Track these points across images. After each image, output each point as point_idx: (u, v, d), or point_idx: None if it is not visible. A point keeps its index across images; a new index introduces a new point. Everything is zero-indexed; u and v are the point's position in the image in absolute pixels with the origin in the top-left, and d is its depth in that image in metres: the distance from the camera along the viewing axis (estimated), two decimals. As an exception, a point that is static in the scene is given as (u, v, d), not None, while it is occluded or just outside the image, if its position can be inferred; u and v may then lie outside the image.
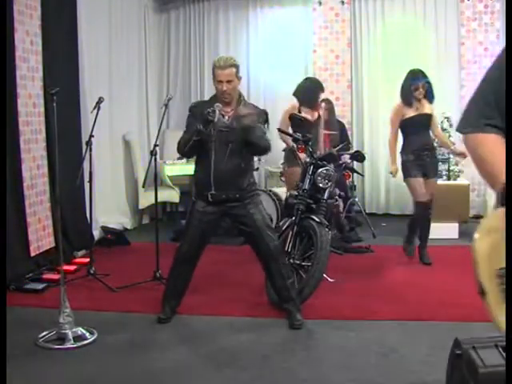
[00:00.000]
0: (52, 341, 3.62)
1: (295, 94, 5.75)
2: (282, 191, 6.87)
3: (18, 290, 4.58)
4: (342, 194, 5.49)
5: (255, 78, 8.11)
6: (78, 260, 5.54)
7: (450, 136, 6.50)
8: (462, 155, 5.38)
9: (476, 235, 1.70)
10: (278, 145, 7.27)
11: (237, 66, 3.88)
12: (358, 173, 5.56)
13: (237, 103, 3.93)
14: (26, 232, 4.99)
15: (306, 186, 4.55)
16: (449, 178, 6.89)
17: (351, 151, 5.83)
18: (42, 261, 5.15)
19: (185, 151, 3.91)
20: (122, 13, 7.11)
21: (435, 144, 5.71)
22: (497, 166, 1.67)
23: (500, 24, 7.39)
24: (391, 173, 5.62)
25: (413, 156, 5.28)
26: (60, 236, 4.05)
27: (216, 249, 5.22)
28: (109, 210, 6.68)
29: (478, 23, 7.50)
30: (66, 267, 4.76)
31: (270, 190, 6.80)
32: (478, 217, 7.26)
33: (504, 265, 1.57)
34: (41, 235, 5.20)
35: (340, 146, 5.61)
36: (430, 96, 5.34)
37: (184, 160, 7.04)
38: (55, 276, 4.77)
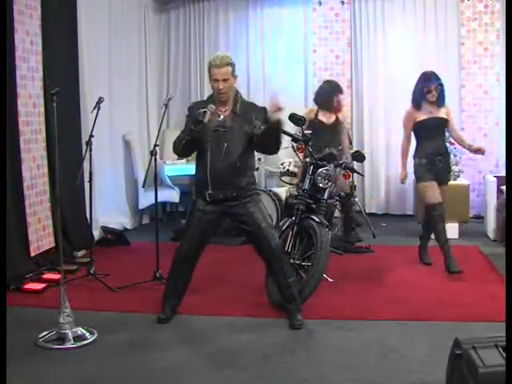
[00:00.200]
0: (52, 341, 3.62)
1: (314, 96, 5.94)
2: (282, 191, 6.88)
3: (17, 290, 4.58)
4: (342, 193, 5.49)
5: (255, 77, 8.11)
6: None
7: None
8: (479, 151, 5.17)
9: None
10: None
11: (233, 65, 3.87)
12: (358, 173, 5.56)
13: (233, 102, 3.93)
14: (26, 232, 4.99)
15: (306, 186, 4.56)
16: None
17: (351, 151, 5.83)
18: (42, 261, 5.15)
19: (179, 150, 3.93)
20: (122, 13, 7.11)
21: (449, 149, 5.51)
22: None
23: (500, 24, 7.39)
24: (401, 181, 5.48)
25: (426, 160, 5.12)
26: (60, 236, 4.06)
27: (216, 249, 5.22)
28: (109, 210, 6.68)
29: (478, 23, 7.49)
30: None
31: (270, 190, 6.80)
32: (478, 217, 7.27)
33: None
34: (41, 235, 5.21)
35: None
36: (440, 99, 5.14)
37: (184, 160, 7.05)
38: (55, 276, 4.77)
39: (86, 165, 4.92)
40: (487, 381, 2.24)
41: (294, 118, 4.67)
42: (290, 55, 8.09)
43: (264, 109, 3.97)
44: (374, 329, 3.89)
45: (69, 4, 5.78)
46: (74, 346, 3.58)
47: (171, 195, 7.29)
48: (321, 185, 4.57)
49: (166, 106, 4.92)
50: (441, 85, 5.11)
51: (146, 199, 6.94)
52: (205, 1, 8.22)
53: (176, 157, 7.02)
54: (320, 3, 7.84)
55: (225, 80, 3.82)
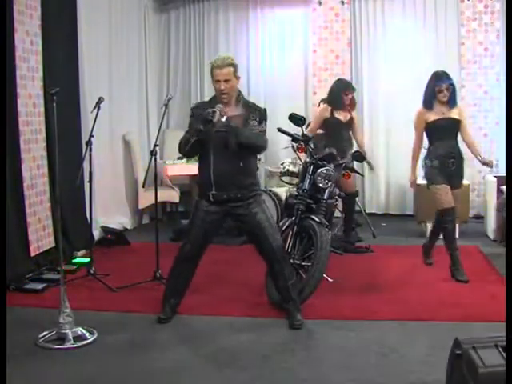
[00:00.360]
0: (52, 341, 3.62)
1: (327, 96, 6.13)
2: (282, 191, 6.88)
3: (17, 289, 4.58)
4: (342, 193, 5.49)
5: (255, 78, 8.10)
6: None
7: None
8: (489, 164, 5.07)
9: None
10: (278, 144, 7.33)
11: (235, 66, 3.87)
12: (358, 173, 5.56)
13: (235, 103, 3.93)
14: (26, 232, 4.99)
15: (306, 186, 4.56)
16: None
17: (351, 151, 5.84)
18: (42, 261, 5.15)
19: (185, 151, 3.92)
20: (122, 13, 7.11)
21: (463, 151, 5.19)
22: None
23: (500, 24, 7.39)
24: (411, 185, 5.39)
25: (438, 162, 4.94)
26: (60, 236, 4.06)
27: (216, 248, 5.21)
28: (109, 210, 6.68)
29: (478, 23, 7.49)
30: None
31: (270, 190, 6.80)
32: (478, 217, 7.27)
33: None
34: (41, 235, 5.20)
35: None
36: (452, 99, 4.97)
37: (184, 160, 7.04)
38: (55, 276, 4.77)
39: (85, 165, 4.92)
40: (487, 381, 2.24)
41: (294, 118, 4.67)
42: (290, 55, 8.08)
43: (261, 109, 3.98)
44: (374, 329, 3.89)
45: (69, 4, 5.78)
46: (74, 345, 3.58)
47: (171, 195, 7.29)
48: (321, 185, 4.56)
49: (166, 105, 4.92)
50: (452, 85, 4.96)
51: (146, 199, 6.93)
52: (205, 1, 8.21)
53: (176, 157, 7.03)
54: (320, 3, 7.84)
55: (226, 81, 3.82)
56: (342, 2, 7.81)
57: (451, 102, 4.98)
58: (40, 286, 4.65)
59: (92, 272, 4.97)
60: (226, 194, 3.90)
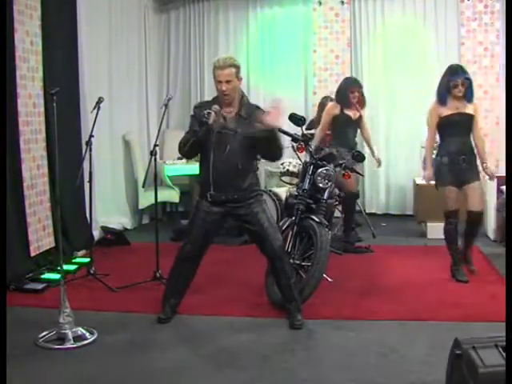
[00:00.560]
0: (52, 341, 3.62)
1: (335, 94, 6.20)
2: (282, 191, 6.88)
3: (17, 289, 4.58)
4: (342, 194, 5.49)
5: (255, 78, 8.10)
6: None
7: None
8: (490, 177, 4.98)
9: None
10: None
11: (236, 66, 3.86)
12: (358, 173, 5.56)
13: (239, 104, 3.93)
14: (26, 232, 4.99)
15: (306, 186, 4.55)
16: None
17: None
18: (42, 261, 5.15)
19: (185, 151, 3.92)
20: (122, 13, 7.11)
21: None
22: None
23: (500, 24, 7.38)
24: (427, 181, 5.09)
25: (448, 159, 4.77)
26: (60, 236, 4.05)
27: (216, 249, 5.20)
28: (109, 210, 6.68)
29: (478, 23, 7.49)
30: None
31: (270, 190, 6.80)
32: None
33: None
34: (41, 235, 5.20)
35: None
36: (468, 94, 4.78)
37: (184, 160, 7.04)
38: (55, 276, 4.77)
39: (85, 165, 4.92)
40: (487, 381, 2.24)
41: (294, 118, 4.67)
42: (290, 55, 8.08)
43: (267, 112, 3.97)
44: (374, 329, 3.89)
45: (69, 4, 5.78)
46: (74, 345, 3.58)
47: (171, 195, 7.29)
48: (321, 185, 4.56)
49: (166, 106, 4.92)
50: (468, 79, 4.77)
51: (146, 199, 6.93)
52: (205, 1, 8.22)
53: (176, 157, 7.03)
54: (320, 3, 7.84)
55: (228, 81, 3.81)
56: (342, 2, 7.81)
57: (468, 97, 4.79)
58: (40, 286, 4.65)
59: (92, 272, 4.96)
60: (224, 195, 3.90)
